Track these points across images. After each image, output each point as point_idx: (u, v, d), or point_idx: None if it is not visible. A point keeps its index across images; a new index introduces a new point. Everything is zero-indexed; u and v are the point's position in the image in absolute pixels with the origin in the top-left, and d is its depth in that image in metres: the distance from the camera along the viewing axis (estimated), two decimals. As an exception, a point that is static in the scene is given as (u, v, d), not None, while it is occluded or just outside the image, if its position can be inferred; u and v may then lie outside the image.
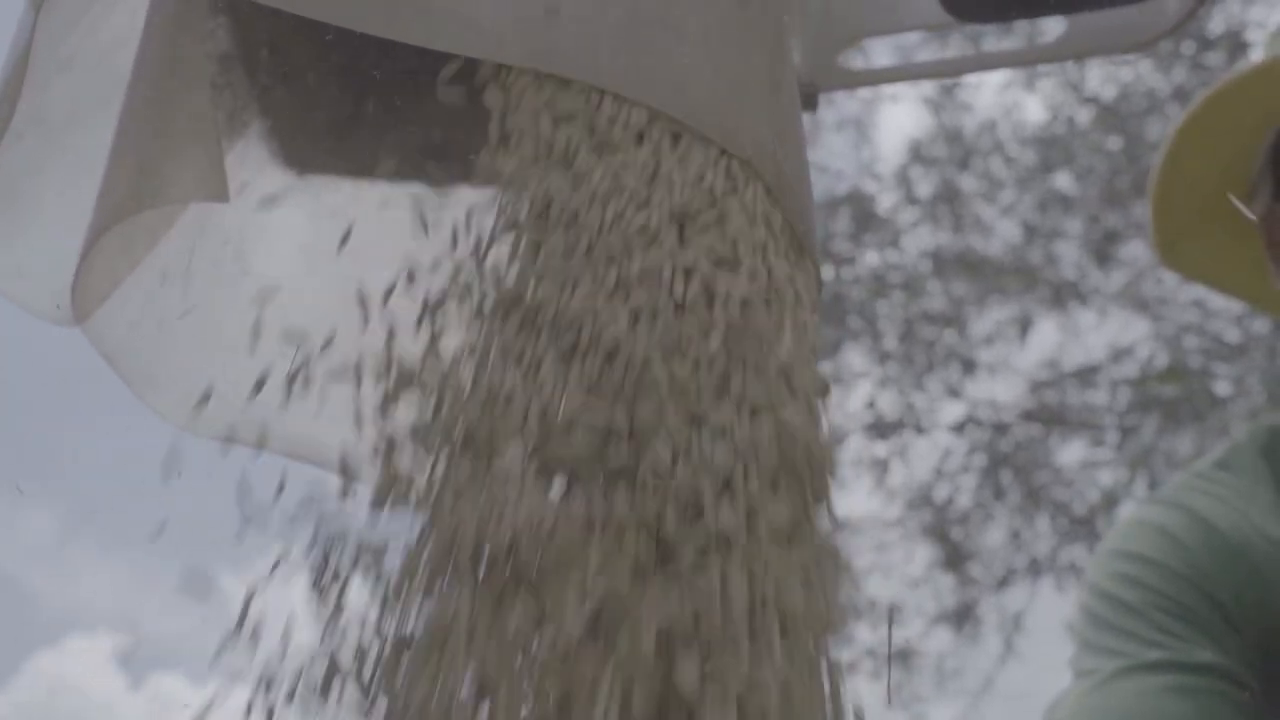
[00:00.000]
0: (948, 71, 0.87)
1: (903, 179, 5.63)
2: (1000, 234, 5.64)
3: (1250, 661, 0.95)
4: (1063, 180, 5.70)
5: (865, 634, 5.38)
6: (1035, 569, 5.30)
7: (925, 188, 5.63)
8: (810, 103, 0.63)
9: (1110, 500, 5.09)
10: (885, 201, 5.59)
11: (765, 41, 0.49)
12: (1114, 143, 5.55)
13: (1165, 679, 0.93)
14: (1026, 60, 0.68)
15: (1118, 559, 1.01)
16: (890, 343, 5.47)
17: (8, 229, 0.56)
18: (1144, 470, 4.98)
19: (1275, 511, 0.99)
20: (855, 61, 0.70)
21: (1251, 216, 1.03)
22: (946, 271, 5.49)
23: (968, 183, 5.68)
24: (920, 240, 5.58)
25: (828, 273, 5.44)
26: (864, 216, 5.48)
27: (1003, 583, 5.35)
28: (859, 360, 5.45)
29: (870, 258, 5.53)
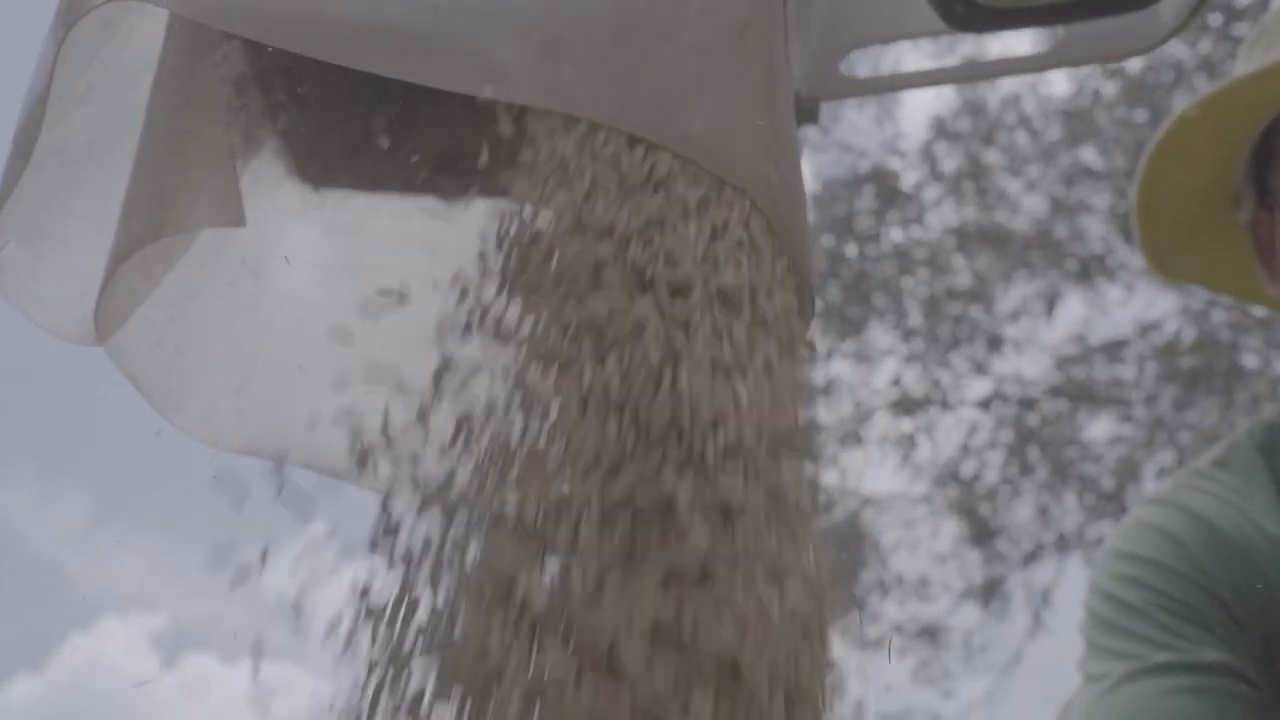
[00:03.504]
0: (945, 79, 0.88)
1: (926, 155, 5.62)
2: (1026, 209, 5.62)
3: (1255, 659, 0.96)
4: (1088, 154, 5.67)
5: (893, 610, 5.41)
6: (1063, 544, 5.30)
7: (949, 163, 5.62)
8: (811, 115, 0.65)
9: (1137, 474, 5.08)
10: (909, 178, 5.58)
11: (762, 70, 0.50)
12: (1140, 115, 5.51)
13: (1175, 680, 0.94)
14: (1024, 68, 0.68)
15: (1120, 560, 1.02)
16: (915, 319, 5.46)
17: (32, 256, 0.58)
18: (1171, 444, 4.96)
19: (1273, 508, 0.99)
20: (857, 69, 0.72)
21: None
22: (971, 247, 5.48)
23: (992, 157, 5.66)
24: (944, 216, 5.57)
25: (852, 250, 5.43)
26: (888, 193, 5.47)
27: (1030, 558, 5.35)
28: (884, 337, 5.46)
29: (894, 234, 5.53)
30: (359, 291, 0.67)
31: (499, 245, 0.53)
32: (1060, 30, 0.67)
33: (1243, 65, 1.02)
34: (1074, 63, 0.66)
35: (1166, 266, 1.15)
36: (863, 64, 0.84)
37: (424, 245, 0.68)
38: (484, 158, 0.54)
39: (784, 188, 0.49)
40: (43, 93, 0.52)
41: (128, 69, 0.58)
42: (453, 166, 0.66)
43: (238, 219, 0.57)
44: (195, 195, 0.55)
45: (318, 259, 0.70)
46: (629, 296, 0.45)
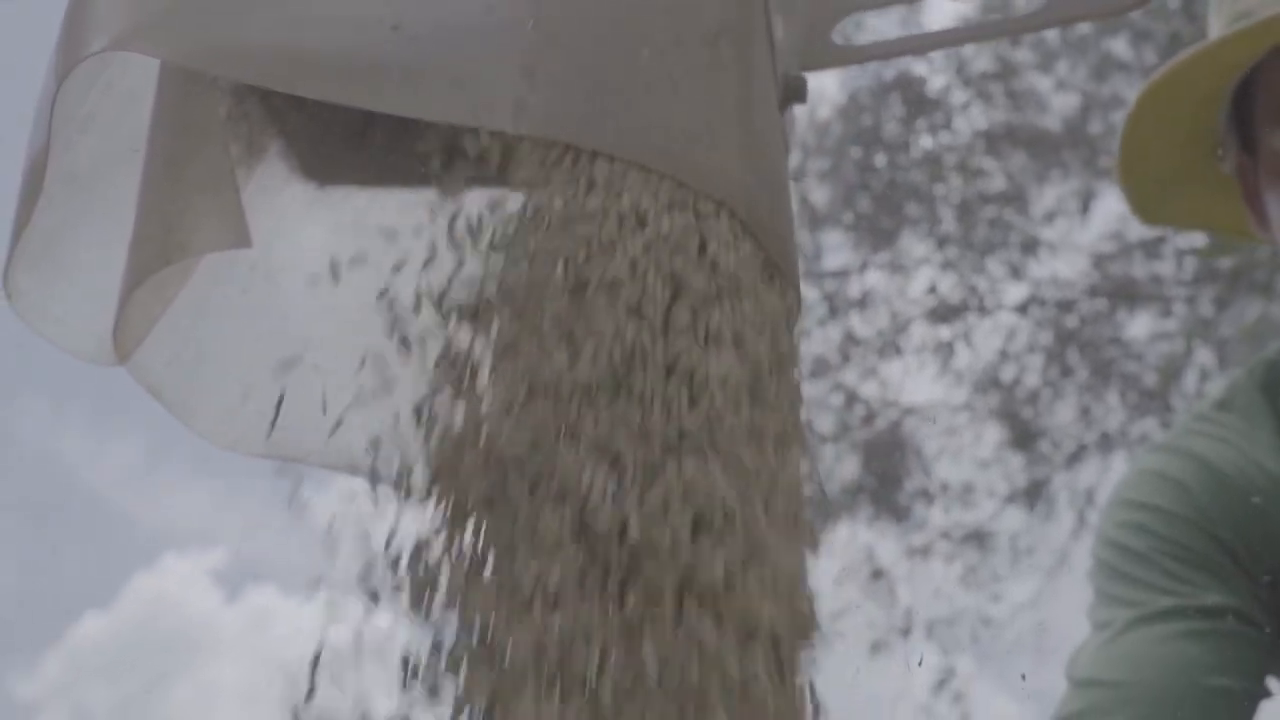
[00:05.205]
0: (939, 43, 0.87)
1: (953, 57, 5.54)
2: (1057, 107, 5.54)
3: (1260, 600, 0.97)
4: (1119, 46, 5.57)
5: (939, 517, 5.45)
6: (1106, 444, 5.30)
7: (977, 65, 5.54)
8: (799, 94, 0.65)
9: (1179, 370, 5.05)
10: (936, 83, 5.51)
11: (739, 73, 0.51)
12: (1172, 0, 5.40)
13: (1178, 625, 0.95)
14: (1011, 30, 0.68)
15: (1125, 508, 1.03)
16: (949, 226, 5.43)
17: (47, 280, 0.60)
18: (1212, 340, 4.93)
19: (1276, 447, 1.00)
20: (853, 36, 0.72)
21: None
22: (1003, 149, 5.42)
23: (1021, 55, 5.57)
24: (974, 119, 5.50)
25: (881, 160, 5.39)
26: (915, 100, 5.41)
27: (1073, 459, 5.35)
28: (918, 246, 5.43)
29: (924, 141, 5.48)
30: (367, 286, 0.68)
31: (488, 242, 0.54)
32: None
33: (1214, 18, 1.01)
34: (1064, 22, 0.66)
35: (1156, 216, 1.15)
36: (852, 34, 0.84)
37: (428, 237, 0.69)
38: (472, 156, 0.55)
39: (764, 190, 0.50)
40: (48, 129, 0.54)
41: (128, 93, 0.59)
42: (451, 160, 0.67)
43: (242, 240, 0.58)
44: (198, 219, 0.57)
45: (326, 257, 0.71)
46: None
